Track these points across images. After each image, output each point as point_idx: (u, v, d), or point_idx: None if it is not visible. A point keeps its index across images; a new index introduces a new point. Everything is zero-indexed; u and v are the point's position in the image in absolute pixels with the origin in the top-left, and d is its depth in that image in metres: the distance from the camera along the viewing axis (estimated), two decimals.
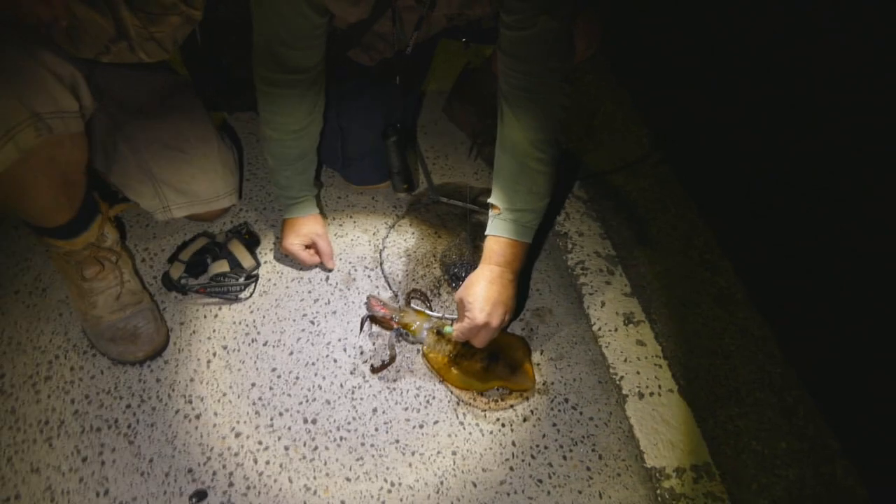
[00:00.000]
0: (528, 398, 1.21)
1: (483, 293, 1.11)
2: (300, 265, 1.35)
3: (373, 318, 1.25)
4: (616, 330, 1.35)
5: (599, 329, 1.34)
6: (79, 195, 1.05)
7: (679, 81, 1.93)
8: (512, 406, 1.20)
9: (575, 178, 1.65)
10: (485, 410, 1.19)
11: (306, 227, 1.31)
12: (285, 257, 1.36)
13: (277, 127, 1.21)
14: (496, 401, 1.20)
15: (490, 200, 1.17)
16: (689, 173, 1.70)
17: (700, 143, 1.80)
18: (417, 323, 1.23)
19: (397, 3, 1.15)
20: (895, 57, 1.39)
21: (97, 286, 1.15)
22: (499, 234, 1.14)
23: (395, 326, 1.24)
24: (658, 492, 1.13)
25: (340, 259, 1.39)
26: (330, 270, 1.36)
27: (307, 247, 1.31)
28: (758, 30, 1.81)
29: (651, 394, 1.26)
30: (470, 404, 1.19)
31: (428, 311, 1.25)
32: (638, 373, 1.28)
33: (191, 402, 1.14)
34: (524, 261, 1.17)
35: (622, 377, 1.27)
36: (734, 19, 1.87)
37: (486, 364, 1.20)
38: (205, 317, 1.26)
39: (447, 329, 1.20)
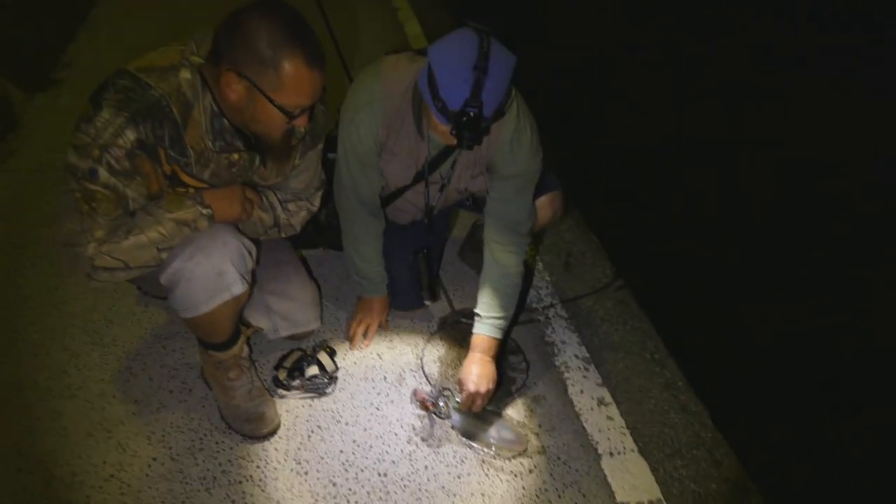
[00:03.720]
0: (530, 456, 1.73)
1: (471, 370, 1.73)
2: (350, 345, 1.97)
3: (419, 398, 1.80)
4: (592, 409, 1.88)
5: (580, 409, 1.88)
6: (237, 321, 1.63)
7: (634, 230, 2.61)
8: (521, 463, 1.71)
9: (558, 302, 2.25)
10: (502, 465, 1.70)
11: (375, 307, 1.96)
12: (355, 364, 1.91)
13: (358, 232, 1.85)
14: (509, 459, 1.71)
15: (475, 309, 1.80)
16: (641, 295, 2.31)
17: (651, 273, 2.43)
18: (445, 406, 1.77)
19: (428, 178, 1.79)
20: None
21: (237, 384, 1.69)
22: (480, 333, 1.78)
23: (431, 408, 1.78)
24: None
25: (392, 364, 1.94)
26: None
27: (369, 325, 1.96)
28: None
29: (619, 453, 1.78)
30: (491, 462, 1.70)
31: (453, 394, 1.80)
32: (609, 439, 1.80)
33: (300, 463, 1.65)
34: (498, 349, 1.79)
35: (598, 442, 1.79)
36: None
37: (496, 431, 1.74)
38: (303, 406, 1.79)
39: (455, 405, 1.75)
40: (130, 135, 1.25)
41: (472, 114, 1.36)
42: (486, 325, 1.78)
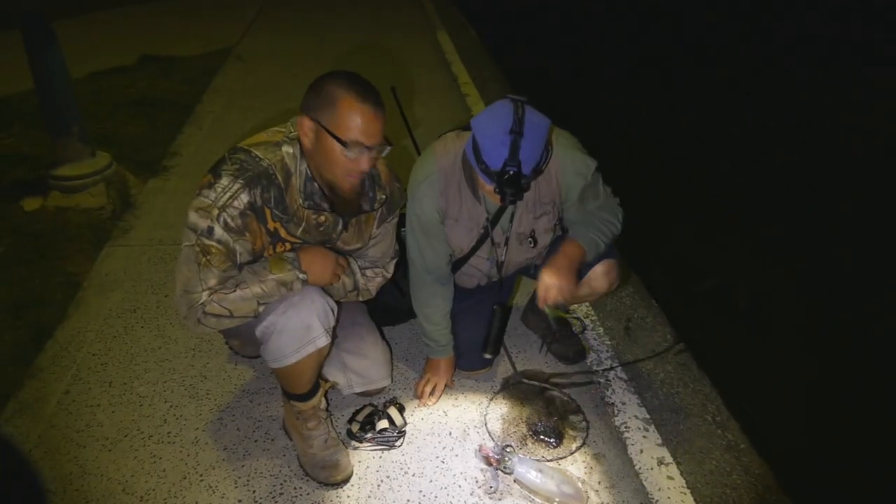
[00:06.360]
0: None
1: (555, 262, 1.85)
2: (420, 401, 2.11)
3: (483, 453, 1.89)
4: (652, 469, 1.92)
5: (640, 468, 1.92)
6: (317, 375, 1.81)
7: (691, 295, 2.67)
8: None
9: (618, 365, 2.32)
10: None
11: (442, 367, 2.11)
12: (423, 420, 2.04)
13: (424, 297, 2.02)
14: None
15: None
16: (702, 358, 2.35)
17: (711, 337, 2.48)
18: (509, 461, 1.85)
19: (492, 234, 1.95)
20: None
21: (314, 433, 1.85)
22: (570, 238, 1.91)
23: (494, 464, 1.87)
24: None
25: (457, 420, 2.06)
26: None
27: (436, 384, 2.09)
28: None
29: None
30: None
31: (515, 450, 1.88)
32: (669, 498, 1.83)
33: None
34: (581, 260, 1.90)
35: (657, 500, 1.82)
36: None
37: (557, 486, 1.79)
38: (374, 457, 1.92)
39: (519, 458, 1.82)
40: (244, 198, 1.52)
41: (511, 172, 1.55)
42: (573, 236, 1.91)
